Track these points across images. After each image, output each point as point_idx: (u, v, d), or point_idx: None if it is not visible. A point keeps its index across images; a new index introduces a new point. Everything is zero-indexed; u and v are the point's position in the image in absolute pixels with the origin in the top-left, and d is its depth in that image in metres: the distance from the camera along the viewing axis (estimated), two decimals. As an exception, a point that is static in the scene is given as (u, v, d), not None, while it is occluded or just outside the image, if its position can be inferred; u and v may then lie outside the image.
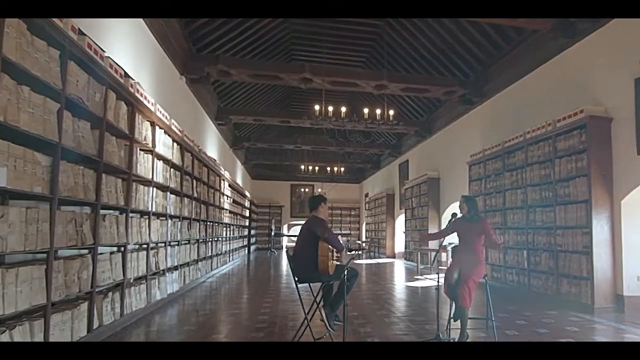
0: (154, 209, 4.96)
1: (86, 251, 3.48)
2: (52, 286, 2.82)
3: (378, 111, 8.94)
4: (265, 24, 8.43)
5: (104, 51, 3.61)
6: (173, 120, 5.77)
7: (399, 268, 11.12)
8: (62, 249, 3.07)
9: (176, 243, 6.05)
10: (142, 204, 4.60)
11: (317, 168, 16.84)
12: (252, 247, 17.13)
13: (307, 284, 3.62)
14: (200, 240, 7.55)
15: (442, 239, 4.12)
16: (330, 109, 8.75)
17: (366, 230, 18.82)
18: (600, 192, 5.06)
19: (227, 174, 10.70)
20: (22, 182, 2.56)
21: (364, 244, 16.92)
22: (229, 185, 11.25)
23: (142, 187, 4.63)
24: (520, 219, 6.38)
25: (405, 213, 12.86)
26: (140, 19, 5.48)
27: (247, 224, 15.23)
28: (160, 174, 5.26)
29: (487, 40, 7.43)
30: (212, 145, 10.47)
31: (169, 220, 5.63)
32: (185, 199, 6.47)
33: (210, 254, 8.45)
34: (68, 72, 3.02)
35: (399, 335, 3.86)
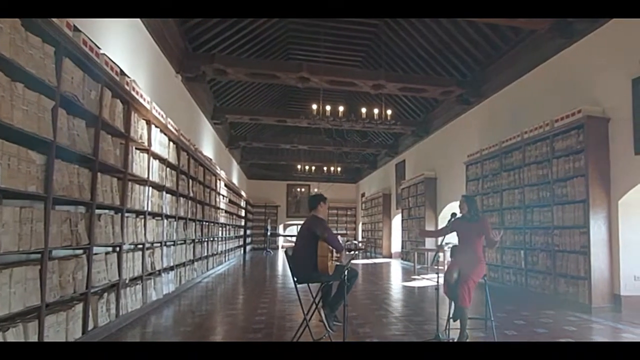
0: (149, 209, 4.90)
1: (81, 251, 3.42)
2: (46, 287, 2.77)
3: (376, 111, 8.91)
4: (262, 22, 8.38)
5: (99, 48, 3.55)
6: (169, 119, 5.71)
7: (396, 268, 11.12)
8: (57, 249, 3.01)
9: (172, 243, 5.99)
10: (137, 204, 4.55)
11: (313, 168, 16.81)
12: (248, 247, 17.06)
13: (305, 284, 3.59)
14: (196, 240, 7.49)
15: (443, 237, 4.09)
16: (328, 108, 8.72)
17: (362, 230, 18.81)
18: (597, 192, 5.07)
19: (223, 174, 10.64)
20: (16, 181, 2.50)
21: (360, 244, 16.90)
22: (225, 185, 11.19)
23: (137, 186, 4.58)
24: (517, 219, 6.39)
25: (402, 213, 12.87)
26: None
27: (242, 223, 15.17)
28: (156, 173, 5.21)
29: (484, 40, 7.44)
30: (208, 144, 10.41)
31: (165, 220, 5.57)
32: (181, 198, 6.42)
33: (206, 254, 8.39)
34: (63, 69, 2.96)
35: (398, 336, 3.83)
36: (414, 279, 8.42)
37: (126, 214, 4.21)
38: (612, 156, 5.14)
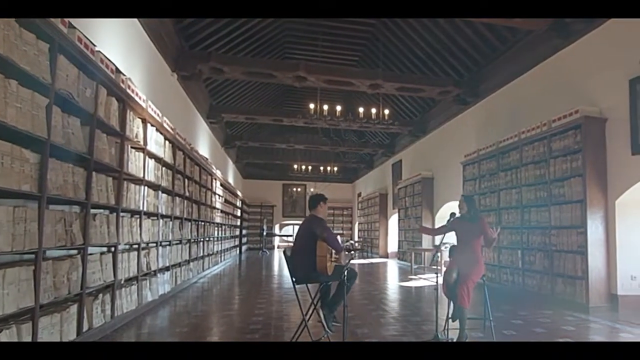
0: (145, 209, 4.85)
1: (76, 251, 3.37)
2: (40, 288, 2.72)
3: (373, 110, 8.88)
4: (259, 21, 8.33)
5: (94, 45, 3.50)
6: (165, 118, 5.65)
7: (393, 268, 11.11)
8: (51, 249, 2.96)
9: (167, 243, 5.93)
10: (133, 203, 4.49)
11: (310, 167, 16.77)
12: (244, 247, 17.00)
13: (303, 285, 3.55)
14: (192, 240, 7.44)
15: (442, 237, 4.06)
16: (326, 107, 8.69)
17: (359, 230, 18.80)
18: (595, 192, 5.08)
19: (218, 173, 10.58)
20: (10, 179, 2.45)
21: (357, 244, 16.88)
22: (221, 185, 11.13)
23: (133, 185, 4.52)
24: (515, 219, 6.39)
25: (399, 213, 12.86)
26: (132, 14, 5.36)
27: (238, 223, 15.10)
28: (151, 172, 5.15)
29: (481, 41, 7.44)
30: (204, 143, 10.35)
31: (161, 220, 5.51)
32: (177, 198, 6.36)
33: (201, 254, 8.34)
34: (58, 66, 2.91)
35: (397, 336, 3.81)
36: (411, 279, 8.41)
37: (121, 214, 4.16)
38: (609, 156, 5.15)
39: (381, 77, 8.24)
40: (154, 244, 5.30)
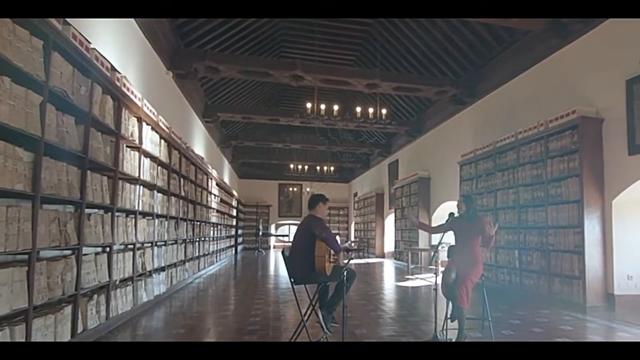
0: (140, 208, 4.80)
1: (70, 252, 3.31)
2: (34, 289, 2.67)
3: (371, 110, 8.86)
4: (255, 20, 8.28)
5: (89, 42, 3.45)
6: (160, 117, 5.59)
7: (389, 268, 11.10)
8: (45, 249, 2.91)
9: (163, 243, 5.88)
10: (128, 203, 4.44)
11: (306, 167, 16.73)
12: (239, 247, 16.92)
13: (301, 285, 3.52)
14: (188, 240, 7.38)
15: (441, 236, 4.03)
16: (323, 107, 8.65)
17: (355, 230, 18.79)
18: (591, 192, 5.09)
19: (214, 173, 10.52)
20: (3, 179, 2.40)
21: (353, 244, 16.85)
22: (217, 184, 11.06)
23: (128, 185, 4.47)
24: (511, 219, 6.39)
25: (395, 213, 12.85)
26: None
27: (234, 223, 15.03)
28: (147, 171, 5.09)
29: (479, 41, 7.44)
30: (199, 143, 10.28)
31: (156, 220, 5.46)
32: (173, 197, 6.30)
33: (197, 254, 8.28)
34: (52, 63, 2.86)
35: (395, 337, 3.79)
36: (408, 279, 8.39)
37: (116, 214, 4.11)
38: (606, 156, 5.17)
39: (378, 77, 8.22)
40: (150, 244, 5.24)
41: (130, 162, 4.53)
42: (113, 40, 4.87)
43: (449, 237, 4.04)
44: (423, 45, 8.42)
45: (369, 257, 14.88)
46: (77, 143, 3.31)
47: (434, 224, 10.07)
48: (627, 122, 4.86)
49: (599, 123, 5.23)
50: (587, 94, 5.48)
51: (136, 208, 4.67)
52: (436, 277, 3.63)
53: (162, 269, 5.81)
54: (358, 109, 8.70)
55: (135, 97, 4.57)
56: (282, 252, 3.45)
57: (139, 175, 4.75)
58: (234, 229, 14.96)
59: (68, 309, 3.16)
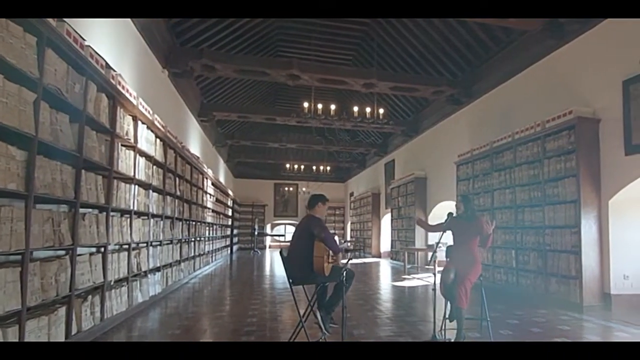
0: (135, 208, 4.74)
1: (64, 252, 3.26)
2: (27, 290, 2.61)
3: (368, 109, 8.84)
4: (251, 19, 8.23)
5: (84, 40, 3.39)
6: (156, 116, 5.54)
7: (386, 268, 11.10)
8: (39, 250, 2.86)
9: (158, 243, 5.81)
10: (123, 203, 4.38)
11: (302, 167, 16.68)
12: (235, 247, 16.86)
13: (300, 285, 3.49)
14: (183, 240, 7.32)
15: (440, 235, 4.01)
16: (320, 106, 8.62)
17: (351, 230, 18.77)
18: (588, 192, 5.10)
19: (210, 172, 10.46)
20: (-6, 177, 2.35)
21: (350, 244, 16.83)
22: (212, 184, 11.00)
23: (123, 184, 4.41)
24: (508, 219, 6.40)
25: (392, 212, 12.85)
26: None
27: (229, 223, 14.96)
28: (142, 171, 5.04)
29: (476, 41, 7.44)
30: (195, 142, 10.21)
31: (151, 220, 5.40)
32: (168, 197, 6.24)
33: (193, 254, 8.22)
34: (46, 60, 2.80)
35: (394, 337, 3.77)
36: (405, 279, 8.39)
37: (111, 213, 4.06)
38: (602, 157, 5.18)
39: (375, 76, 8.21)
40: (145, 244, 5.19)
41: (125, 161, 4.47)
42: (108, 38, 4.81)
43: (447, 238, 4.02)
44: (420, 45, 8.41)
45: (365, 257, 14.86)
46: (72, 142, 3.26)
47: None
48: (624, 122, 4.87)
49: (596, 123, 5.24)
50: (584, 94, 5.49)
51: (131, 208, 4.61)
52: (434, 277, 3.60)
53: (158, 269, 5.75)
54: (355, 109, 8.67)
55: (131, 95, 4.52)
56: (280, 252, 3.41)
57: (134, 175, 4.69)
58: (229, 229, 14.90)
59: (62, 310, 3.11)
